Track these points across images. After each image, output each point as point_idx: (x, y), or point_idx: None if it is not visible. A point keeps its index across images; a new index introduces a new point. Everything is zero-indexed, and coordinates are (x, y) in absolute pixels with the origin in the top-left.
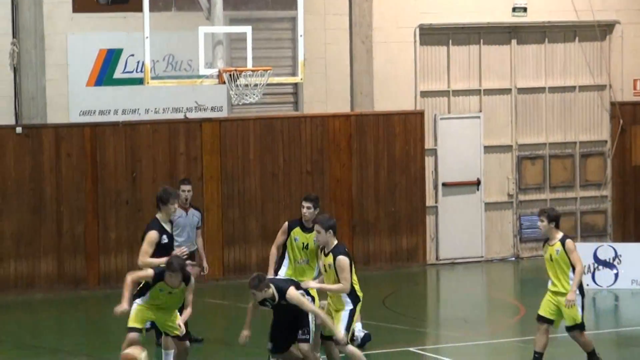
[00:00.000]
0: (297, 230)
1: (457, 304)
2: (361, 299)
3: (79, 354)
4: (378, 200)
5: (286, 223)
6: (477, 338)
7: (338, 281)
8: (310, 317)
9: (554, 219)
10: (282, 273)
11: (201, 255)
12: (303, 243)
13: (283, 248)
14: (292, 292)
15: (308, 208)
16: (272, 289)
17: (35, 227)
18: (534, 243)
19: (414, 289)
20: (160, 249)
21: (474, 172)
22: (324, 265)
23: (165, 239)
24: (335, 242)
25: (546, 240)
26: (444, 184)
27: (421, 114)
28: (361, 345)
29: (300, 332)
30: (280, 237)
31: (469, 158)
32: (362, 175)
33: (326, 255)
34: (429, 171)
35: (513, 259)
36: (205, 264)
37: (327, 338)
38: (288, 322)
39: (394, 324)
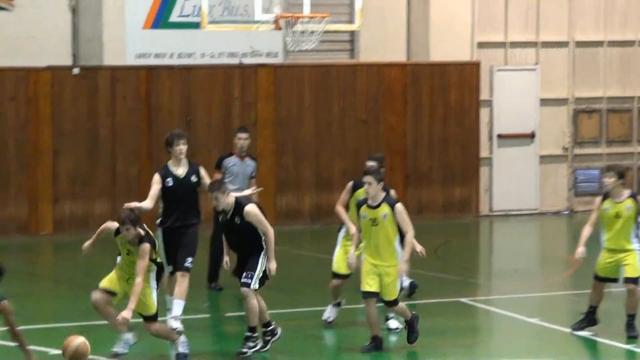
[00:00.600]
0: (362, 190)
1: (509, 256)
2: None
3: None
4: (432, 150)
5: (351, 182)
6: (529, 290)
7: (389, 234)
8: (261, 261)
9: (622, 176)
10: (341, 235)
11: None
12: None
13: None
14: (252, 209)
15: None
16: (232, 199)
17: (90, 168)
18: (589, 197)
19: (466, 240)
20: (167, 193)
21: (529, 125)
22: (372, 220)
23: (169, 182)
24: (383, 193)
25: (605, 196)
26: (498, 136)
27: (477, 65)
28: (409, 295)
29: (244, 274)
30: (344, 196)
31: (524, 110)
32: (417, 125)
33: (375, 207)
34: (484, 123)
35: (567, 212)
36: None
37: (386, 302)
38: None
39: (445, 274)
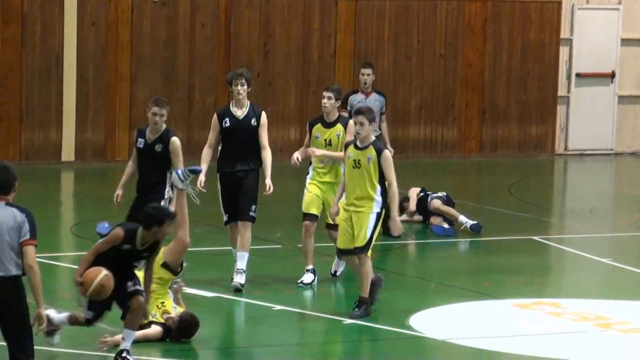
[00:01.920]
0: (318, 127)
1: (583, 196)
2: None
3: (204, 222)
4: (509, 87)
5: (309, 121)
6: (602, 231)
7: (372, 179)
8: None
9: None
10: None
11: (385, 140)
12: (325, 140)
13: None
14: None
15: (329, 98)
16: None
17: (167, 95)
18: None
19: (540, 178)
20: (224, 135)
21: (609, 64)
22: (355, 161)
23: (227, 123)
24: (373, 136)
25: None
26: (577, 75)
27: (559, 2)
28: (476, 230)
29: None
30: (306, 139)
31: (605, 50)
32: (495, 61)
33: (362, 149)
34: (563, 61)
35: None
36: (389, 147)
37: (345, 252)
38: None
39: (519, 212)
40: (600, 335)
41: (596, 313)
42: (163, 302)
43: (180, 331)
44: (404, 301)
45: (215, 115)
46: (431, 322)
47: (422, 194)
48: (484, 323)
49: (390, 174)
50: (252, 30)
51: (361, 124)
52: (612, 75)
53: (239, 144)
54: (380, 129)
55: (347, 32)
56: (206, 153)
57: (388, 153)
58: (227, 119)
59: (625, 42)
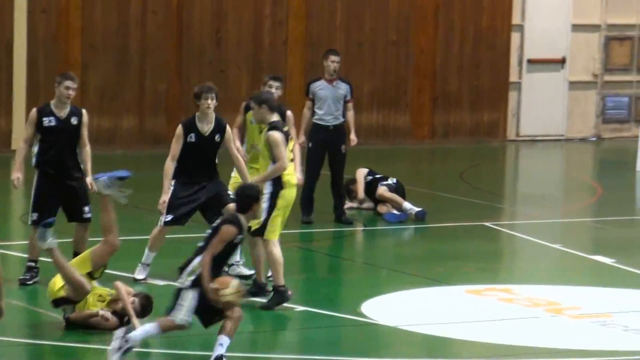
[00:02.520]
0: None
1: (534, 182)
2: (288, 187)
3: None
4: (461, 73)
5: (244, 103)
6: (553, 216)
7: (266, 159)
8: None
9: None
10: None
11: (350, 128)
12: (260, 126)
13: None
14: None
15: (277, 88)
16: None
17: (119, 82)
18: (617, 124)
19: (492, 164)
20: (187, 147)
21: (560, 50)
22: (262, 147)
23: (192, 138)
24: (274, 118)
25: None
26: (528, 61)
27: None
28: (421, 217)
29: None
30: (238, 118)
31: (555, 36)
32: (447, 47)
33: (261, 132)
34: (515, 47)
35: (594, 139)
36: (352, 136)
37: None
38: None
39: (471, 198)
40: (551, 321)
41: (547, 299)
42: (100, 295)
43: (145, 309)
44: (356, 288)
45: (180, 126)
46: (383, 309)
47: (370, 177)
48: (436, 309)
49: (275, 151)
50: (204, 18)
51: (252, 108)
52: (563, 61)
53: (200, 160)
54: (344, 116)
55: (299, 19)
56: (169, 167)
57: (272, 133)
58: (193, 135)
59: (576, 27)
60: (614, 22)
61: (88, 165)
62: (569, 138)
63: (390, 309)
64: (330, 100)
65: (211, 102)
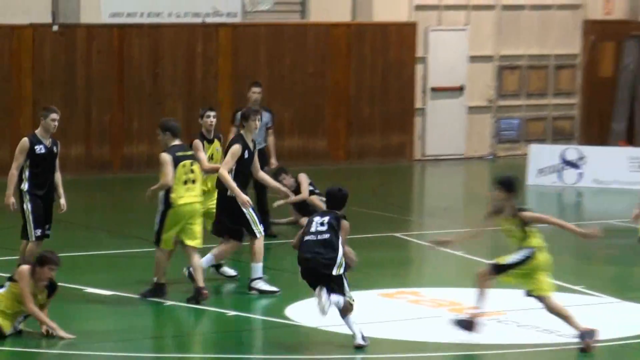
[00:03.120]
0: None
1: (439, 196)
2: (175, 206)
3: (105, 229)
4: (372, 101)
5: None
6: (456, 226)
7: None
8: None
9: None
10: None
11: (270, 152)
12: (208, 155)
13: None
14: None
15: (214, 117)
16: None
17: (67, 115)
18: (509, 144)
19: (401, 181)
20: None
21: (459, 79)
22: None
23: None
24: (175, 143)
25: None
26: (431, 89)
27: (414, 25)
28: None
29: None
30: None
31: (454, 66)
32: (359, 78)
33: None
34: (419, 77)
35: (490, 157)
36: (273, 160)
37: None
38: None
39: (383, 212)
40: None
41: (450, 300)
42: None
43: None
44: (281, 294)
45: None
46: (305, 312)
47: (311, 188)
48: (355, 312)
49: (161, 169)
50: (143, 56)
51: (157, 134)
52: (461, 89)
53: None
54: (266, 141)
55: (227, 56)
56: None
57: (161, 154)
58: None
59: (472, 59)
60: (505, 53)
61: (61, 189)
62: (468, 157)
63: (312, 312)
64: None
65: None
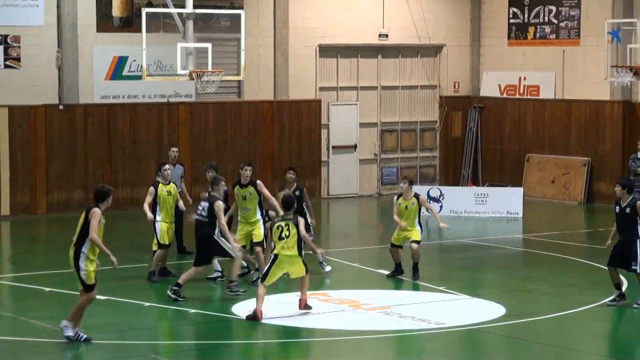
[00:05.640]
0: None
1: (341, 224)
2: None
3: None
4: (291, 155)
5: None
6: (353, 246)
7: None
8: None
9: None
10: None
11: (185, 194)
12: (242, 195)
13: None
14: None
15: (250, 171)
16: None
17: (71, 170)
18: (390, 185)
19: (314, 214)
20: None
21: (353, 139)
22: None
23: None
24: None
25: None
26: (333, 147)
27: (319, 101)
28: None
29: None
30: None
31: (350, 130)
32: (281, 140)
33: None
34: (324, 138)
35: (376, 195)
36: (181, 204)
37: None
38: None
39: None
40: (353, 313)
41: (350, 298)
42: None
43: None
44: (225, 296)
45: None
46: (250, 309)
47: None
48: (281, 309)
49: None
50: (125, 126)
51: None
52: (355, 147)
53: None
54: (181, 186)
55: (185, 125)
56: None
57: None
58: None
59: (362, 124)
60: (385, 120)
61: None
62: (360, 195)
63: (250, 309)
64: (174, 177)
65: (247, 172)
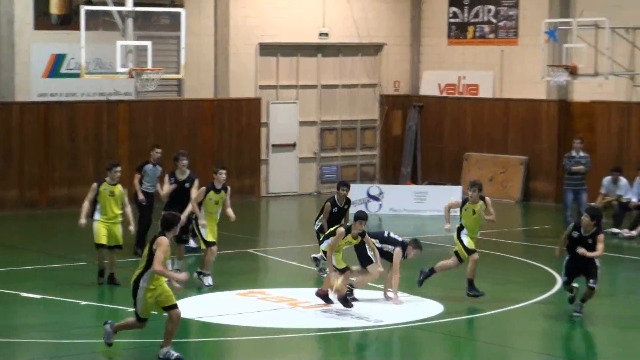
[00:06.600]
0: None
1: (280, 222)
2: None
3: (35, 250)
4: (230, 153)
5: (203, 187)
6: (293, 244)
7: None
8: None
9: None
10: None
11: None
12: (216, 201)
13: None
14: None
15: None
16: None
17: (5, 168)
18: (330, 183)
19: (253, 212)
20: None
21: (292, 137)
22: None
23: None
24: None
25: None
26: (273, 145)
27: (259, 100)
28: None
29: None
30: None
31: (289, 129)
32: (221, 138)
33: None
34: (264, 136)
35: (316, 194)
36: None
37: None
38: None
39: (239, 234)
40: (291, 310)
41: (288, 297)
42: None
43: None
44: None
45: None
46: (188, 308)
47: None
48: (218, 307)
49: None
50: (63, 125)
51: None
52: (294, 145)
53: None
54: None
55: (125, 123)
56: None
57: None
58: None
59: (302, 123)
60: (325, 119)
61: None
62: (300, 193)
63: (189, 308)
64: (154, 176)
65: (224, 175)
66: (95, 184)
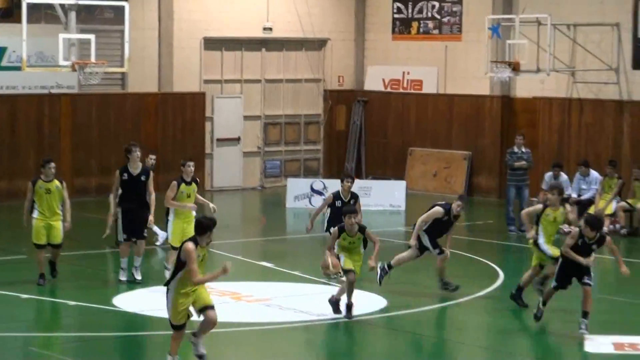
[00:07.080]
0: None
1: (223, 217)
2: None
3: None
4: (175, 147)
5: (174, 181)
6: (236, 238)
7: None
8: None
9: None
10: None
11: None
12: (187, 193)
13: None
14: None
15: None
16: None
17: None
18: (273, 178)
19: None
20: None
21: (237, 132)
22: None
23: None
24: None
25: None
26: (217, 139)
27: (204, 94)
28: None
29: None
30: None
31: (234, 123)
32: (165, 132)
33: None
34: (208, 131)
35: (260, 188)
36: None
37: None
38: None
39: None
40: (235, 304)
41: (232, 290)
42: None
43: None
44: (110, 287)
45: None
46: (131, 301)
47: None
48: (161, 301)
49: None
50: (3, 119)
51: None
52: (238, 139)
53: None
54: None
55: (68, 117)
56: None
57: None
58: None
59: (246, 117)
60: (269, 113)
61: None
62: (244, 188)
63: (137, 301)
64: None
65: (192, 167)
66: (30, 184)
